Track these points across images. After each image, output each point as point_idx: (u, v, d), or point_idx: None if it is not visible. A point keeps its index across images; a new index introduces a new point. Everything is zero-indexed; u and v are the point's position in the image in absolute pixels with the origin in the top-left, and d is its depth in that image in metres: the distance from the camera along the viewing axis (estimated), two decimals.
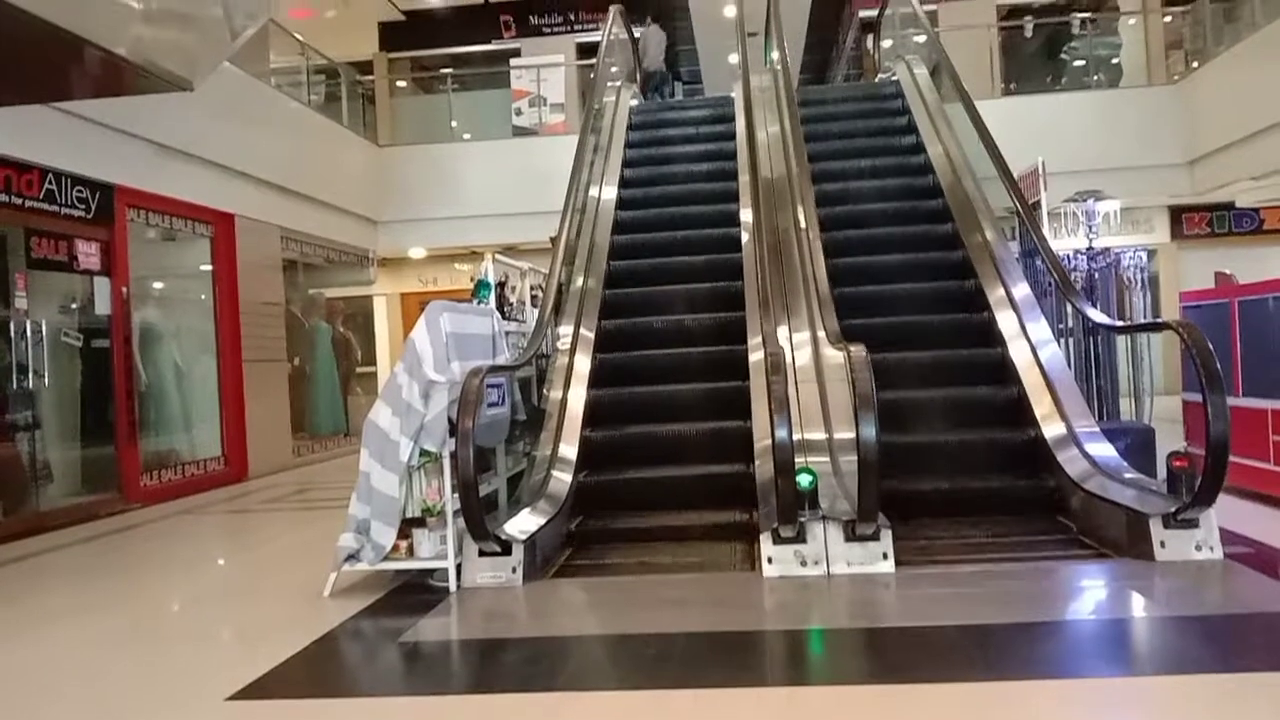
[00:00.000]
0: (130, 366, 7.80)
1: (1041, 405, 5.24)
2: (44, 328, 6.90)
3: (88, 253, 7.37)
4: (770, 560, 4.08)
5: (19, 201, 6.73)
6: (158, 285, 9.02)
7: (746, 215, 7.09)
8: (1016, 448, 5.21)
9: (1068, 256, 6.36)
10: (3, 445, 6.70)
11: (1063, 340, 5.95)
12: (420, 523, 4.23)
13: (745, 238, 6.89)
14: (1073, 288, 5.58)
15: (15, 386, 6.74)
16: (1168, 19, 13.88)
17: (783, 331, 5.51)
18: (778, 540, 4.08)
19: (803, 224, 6.22)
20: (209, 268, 9.24)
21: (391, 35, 14.98)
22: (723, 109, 9.65)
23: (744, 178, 7.62)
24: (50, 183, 7.00)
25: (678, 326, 6.62)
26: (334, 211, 11.60)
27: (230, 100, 8.90)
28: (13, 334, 6.71)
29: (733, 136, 8.64)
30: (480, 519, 4.00)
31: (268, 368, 9.76)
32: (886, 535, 4.06)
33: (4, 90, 5.99)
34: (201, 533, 6.81)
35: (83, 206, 7.31)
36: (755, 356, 5.57)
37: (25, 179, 6.77)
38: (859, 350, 4.00)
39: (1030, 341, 5.62)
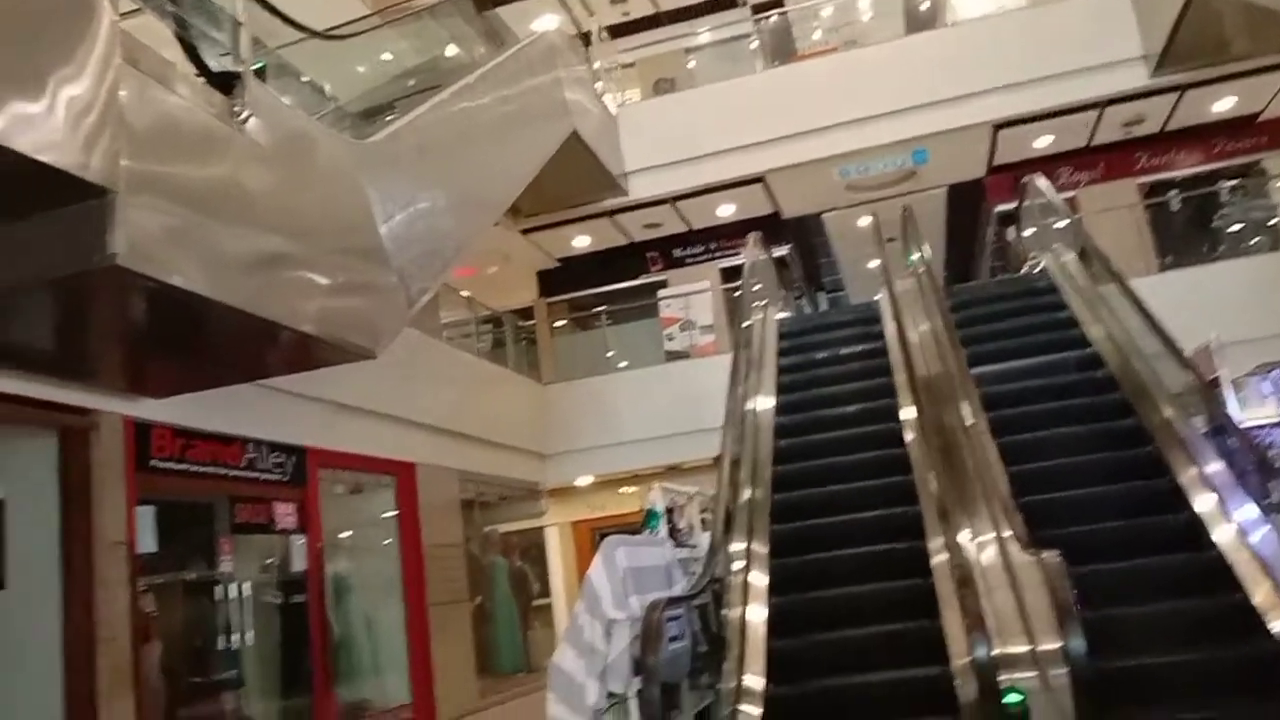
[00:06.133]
0: (324, 620, 8.10)
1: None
2: (246, 589, 7.29)
3: (285, 513, 7.86)
4: None
5: (223, 472, 7.29)
6: (345, 537, 9.43)
7: (908, 413, 7.02)
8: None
9: (1262, 431, 5.97)
10: (210, 703, 6.98)
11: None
12: None
13: (910, 435, 6.80)
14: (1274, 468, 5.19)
15: (220, 647, 7.08)
16: None
17: (964, 535, 5.30)
18: None
19: (969, 421, 6.08)
20: (392, 514, 9.65)
21: (549, 280, 16.06)
22: (869, 314, 9.70)
23: (900, 377, 7.59)
24: (250, 451, 7.57)
25: (852, 526, 6.42)
26: (505, 450, 12.09)
27: (406, 358, 9.50)
28: (217, 597, 7.12)
29: (881, 337, 8.69)
30: None
31: (451, 609, 9.92)
32: None
33: (216, 374, 6.63)
34: None
35: (279, 471, 7.87)
36: (938, 559, 5.35)
37: (229, 451, 7.36)
38: (1052, 558, 3.80)
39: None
